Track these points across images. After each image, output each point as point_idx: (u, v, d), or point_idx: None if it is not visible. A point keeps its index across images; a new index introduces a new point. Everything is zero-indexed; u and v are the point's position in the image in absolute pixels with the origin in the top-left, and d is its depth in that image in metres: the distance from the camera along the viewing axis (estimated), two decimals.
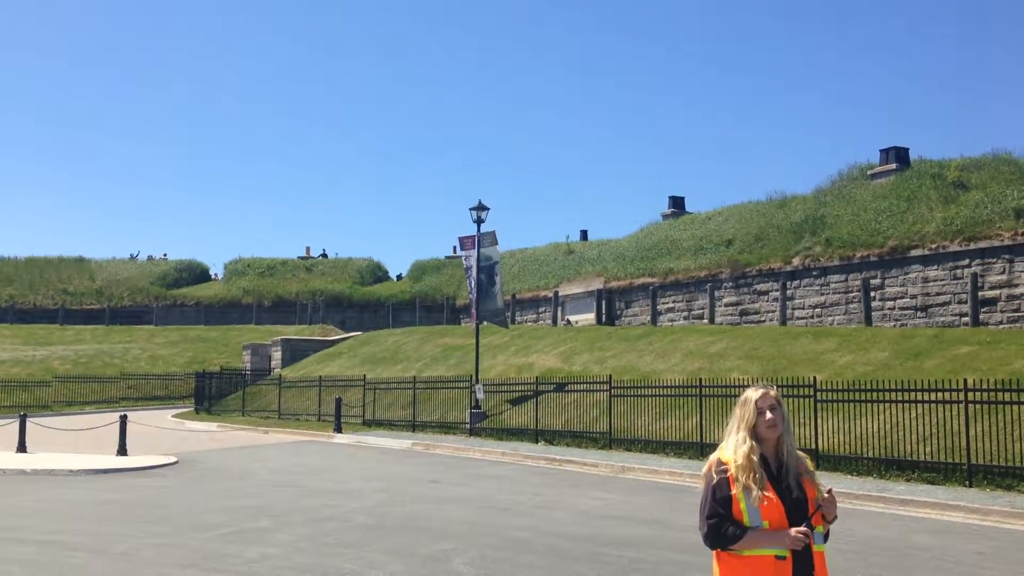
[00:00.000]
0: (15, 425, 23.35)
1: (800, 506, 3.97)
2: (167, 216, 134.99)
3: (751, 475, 3.94)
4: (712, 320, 32.77)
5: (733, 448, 4.04)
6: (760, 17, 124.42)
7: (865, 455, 16.48)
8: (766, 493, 3.92)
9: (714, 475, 4.03)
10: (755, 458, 3.99)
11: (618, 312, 39.08)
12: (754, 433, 4.04)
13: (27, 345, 49.62)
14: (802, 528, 3.88)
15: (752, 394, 4.11)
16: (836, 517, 4.07)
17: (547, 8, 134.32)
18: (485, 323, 30.09)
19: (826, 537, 4.09)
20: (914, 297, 27.68)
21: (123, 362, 46.79)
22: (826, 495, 4.02)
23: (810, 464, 4.16)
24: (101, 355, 47.70)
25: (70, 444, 24.59)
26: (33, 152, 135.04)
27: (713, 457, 4.12)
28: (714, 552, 4.05)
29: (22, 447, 22.40)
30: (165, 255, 69.26)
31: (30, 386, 40.53)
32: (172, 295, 61.10)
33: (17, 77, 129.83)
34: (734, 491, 3.95)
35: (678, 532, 11.41)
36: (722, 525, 3.95)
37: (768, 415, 4.03)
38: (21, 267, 63.66)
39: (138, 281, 62.28)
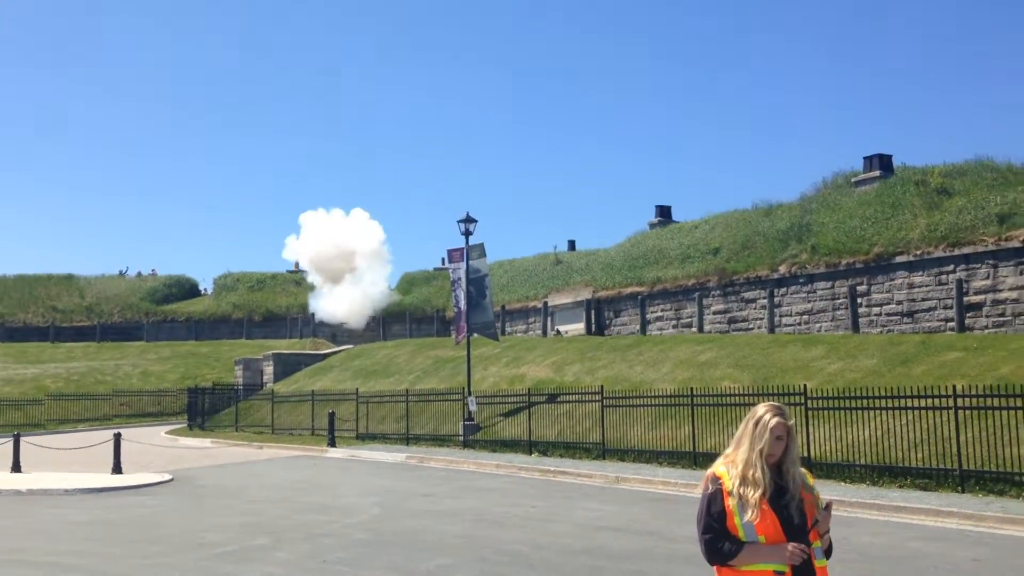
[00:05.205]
0: (9, 445, 23.32)
1: (801, 527, 4.01)
2: (155, 232, 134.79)
3: (756, 491, 3.97)
4: (701, 328, 32.95)
5: (743, 465, 4.04)
6: (743, 25, 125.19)
7: (857, 462, 16.63)
8: (761, 508, 3.95)
9: (709, 487, 4.06)
10: (763, 478, 4.00)
11: (607, 321, 39.23)
12: (763, 455, 4.04)
13: (18, 363, 49.50)
14: (799, 544, 3.92)
15: (770, 419, 4.07)
16: (828, 531, 4.10)
17: (531, 18, 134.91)
18: (476, 335, 30.19)
19: (828, 552, 4.13)
20: (900, 303, 27.92)
21: (115, 379, 46.71)
22: (823, 510, 4.06)
23: (810, 479, 4.18)
24: (93, 372, 47.61)
25: (64, 463, 24.57)
26: (19, 169, 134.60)
27: (709, 471, 4.15)
28: (714, 566, 4.09)
29: (16, 467, 22.38)
30: (154, 271, 69.29)
31: (22, 405, 40.44)
32: (162, 311, 61.05)
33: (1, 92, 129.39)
34: (728, 505, 4.00)
35: (675, 543, 11.53)
36: (717, 541, 3.99)
37: (778, 443, 4.04)
38: (10, 285, 63.52)
39: (128, 297, 62.24)
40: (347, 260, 56.05)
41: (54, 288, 63.02)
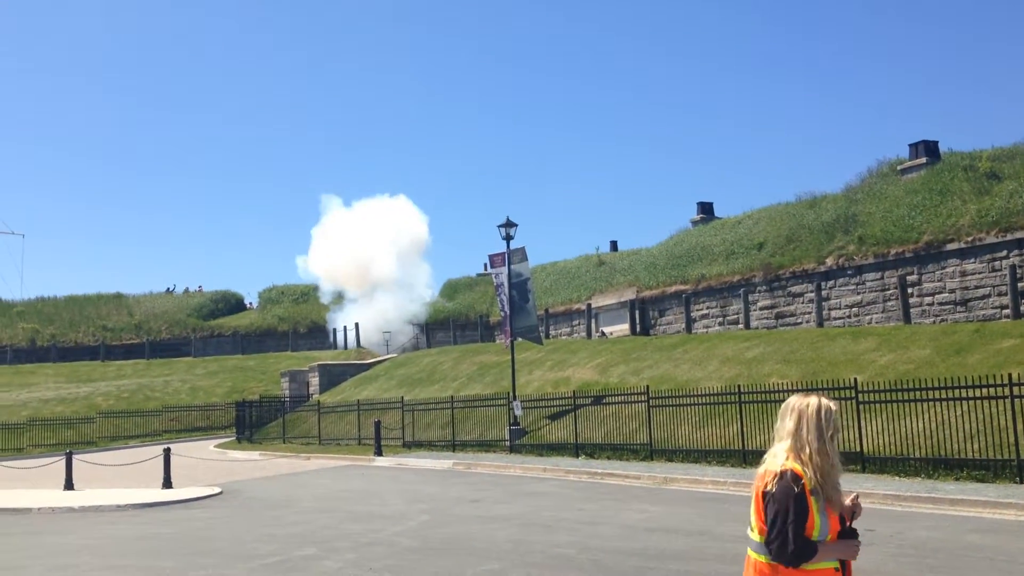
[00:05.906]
0: (62, 463, 23.64)
1: (842, 519, 3.95)
2: (201, 248, 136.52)
3: (835, 488, 3.86)
4: (747, 325, 32.53)
5: (820, 457, 3.84)
6: (781, 17, 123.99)
7: (912, 456, 16.27)
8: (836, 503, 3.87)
9: (794, 488, 3.79)
10: (839, 466, 3.90)
11: (652, 321, 38.92)
12: (834, 442, 3.91)
13: (70, 383, 50.35)
14: (857, 540, 3.91)
15: (829, 403, 3.92)
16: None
17: (568, 19, 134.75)
18: (519, 339, 30.10)
19: None
20: (952, 291, 27.32)
21: (164, 395, 47.30)
22: (854, 500, 3.98)
23: None
24: (142, 389, 48.28)
25: (116, 479, 24.88)
26: (67, 192, 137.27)
27: (780, 467, 3.85)
28: (768, 565, 3.86)
29: (69, 484, 22.66)
30: (200, 287, 70.18)
31: (75, 423, 41.08)
32: (209, 326, 61.85)
33: (42, 111, 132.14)
34: (811, 504, 3.79)
35: (725, 543, 11.30)
36: (809, 542, 3.79)
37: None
38: (61, 306, 64.74)
39: (175, 314, 63.16)
40: (373, 266, 56.17)
41: (103, 307, 64.12)
